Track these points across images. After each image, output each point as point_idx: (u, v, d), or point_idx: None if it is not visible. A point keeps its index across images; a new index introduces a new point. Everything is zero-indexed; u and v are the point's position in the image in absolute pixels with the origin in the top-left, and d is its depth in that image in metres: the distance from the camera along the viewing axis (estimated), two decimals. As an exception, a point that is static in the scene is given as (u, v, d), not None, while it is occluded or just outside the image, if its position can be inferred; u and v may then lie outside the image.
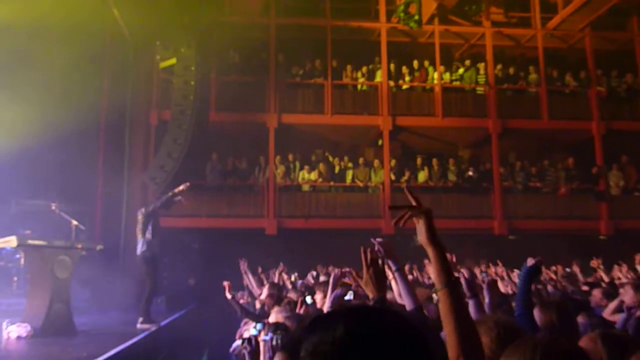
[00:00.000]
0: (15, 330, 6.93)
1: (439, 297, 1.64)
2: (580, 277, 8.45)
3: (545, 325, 3.19)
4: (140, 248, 8.32)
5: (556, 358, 1.48)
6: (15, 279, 11.61)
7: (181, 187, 8.29)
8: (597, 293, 5.40)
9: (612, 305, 4.77)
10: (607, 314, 4.70)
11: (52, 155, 12.12)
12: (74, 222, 8.91)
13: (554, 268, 9.78)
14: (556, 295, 6.01)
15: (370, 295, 2.49)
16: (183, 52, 13.38)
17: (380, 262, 2.50)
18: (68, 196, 10.85)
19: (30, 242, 7.65)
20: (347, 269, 3.39)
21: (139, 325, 7.94)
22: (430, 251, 1.67)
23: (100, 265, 10.61)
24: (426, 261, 9.95)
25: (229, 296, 6.68)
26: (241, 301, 8.68)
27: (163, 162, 13.02)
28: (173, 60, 13.59)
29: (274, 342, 3.31)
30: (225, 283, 6.88)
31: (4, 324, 7.08)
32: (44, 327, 7.11)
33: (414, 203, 1.73)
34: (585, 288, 6.33)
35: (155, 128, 14.12)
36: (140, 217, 8.44)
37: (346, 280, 3.94)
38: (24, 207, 12.48)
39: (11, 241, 7.50)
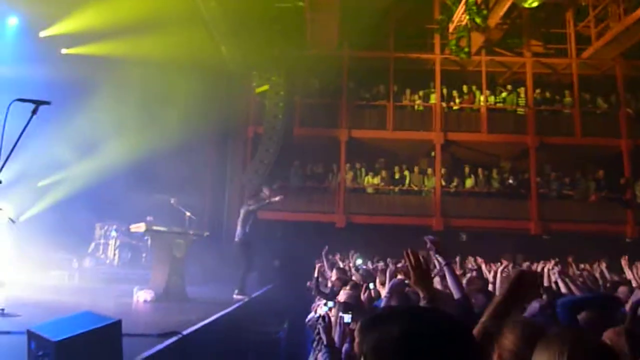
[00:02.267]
0: (143, 295, 7.57)
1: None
2: (607, 274, 8.04)
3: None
4: (238, 236, 8.71)
5: (584, 352, 1.32)
6: (144, 255, 12.33)
7: (277, 198, 8.82)
8: (623, 290, 4.85)
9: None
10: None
11: (175, 161, 12.71)
12: (188, 214, 9.42)
13: (582, 266, 9.53)
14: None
15: (421, 295, 2.32)
16: (274, 80, 14.19)
17: (424, 260, 2.31)
18: (184, 193, 11.19)
19: (155, 227, 8.30)
20: (400, 265, 3.45)
21: (234, 296, 8.32)
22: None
23: (208, 248, 10.97)
24: (470, 257, 9.80)
25: (314, 276, 7.03)
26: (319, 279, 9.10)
27: (257, 167, 13.79)
28: (266, 87, 14.33)
29: (346, 320, 3.27)
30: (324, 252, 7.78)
31: (135, 289, 7.76)
32: (164, 293, 7.70)
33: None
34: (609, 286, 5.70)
35: (251, 140, 14.70)
36: (242, 212, 8.87)
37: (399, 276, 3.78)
38: (151, 199, 12.97)
39: (141, 227, 8.29)
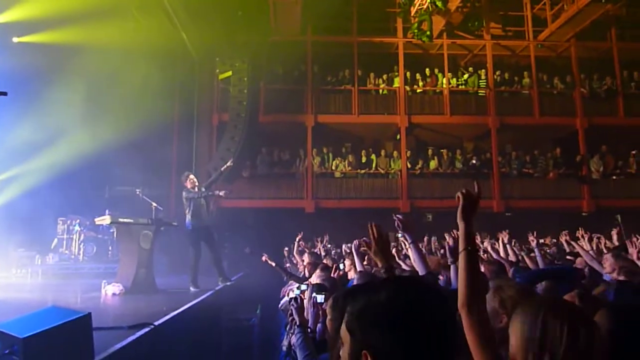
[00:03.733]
0: (111, 289, 7.39)
1: (460, 257, 1.67)
2: (566, 247, 8.22)
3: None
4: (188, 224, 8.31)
5: (557, 314, 1.37)
6: (110, 248, 12.02)
7: (221, 193, 8.54)
8: (580, 262, 5.05)
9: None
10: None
11: (136, 151, 12.37)
12: (154, 204, 9.02)
13: (542, 240, 9.68)
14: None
15: (380, 264, 2.41)
16: (237, 66, 13.93)
17: (385, 234, 2.40)
18: (149, 183, 11.11)
19: (121, 219, 8.02)
20: (363, 239, 3.61)
21: (191, 289, 7.92)
22: (460, 225, 1.72)
23: (175, 238, 10.84)
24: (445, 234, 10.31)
25: (272, 264, 7.03)
26: (287, 265, 8.87)
27: (223, 155, 13.50)
28: (229, 73, 14.08)
29: (319, 300, 3.34)
30: (264, 257, 7.23)
31: (103, 284, 7.58)
32: (132, 286, 7.50)
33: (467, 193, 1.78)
34: (569, 258, 5.93)
35: (216, 127, 14.54)
36: (184, 199, 8.38)
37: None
38: (115, 192, 12.90)
39: (106, 219, 8.03)
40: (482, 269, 3.59)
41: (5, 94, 2.65)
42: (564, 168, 14.77)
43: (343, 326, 1.08)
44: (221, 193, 8.56)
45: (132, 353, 3.97)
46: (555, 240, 9.94)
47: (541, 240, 9.92)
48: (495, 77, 15.42)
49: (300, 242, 9.19)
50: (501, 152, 15.07)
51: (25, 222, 10.84)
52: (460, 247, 1.68)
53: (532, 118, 14.92)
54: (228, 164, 8.85)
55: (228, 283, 8.46)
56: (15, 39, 11.34)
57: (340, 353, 1.10)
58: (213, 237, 8.71)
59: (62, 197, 11.27)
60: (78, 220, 11.89)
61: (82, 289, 8.07)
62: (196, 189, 8.39)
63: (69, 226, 12.02)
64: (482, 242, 7.61)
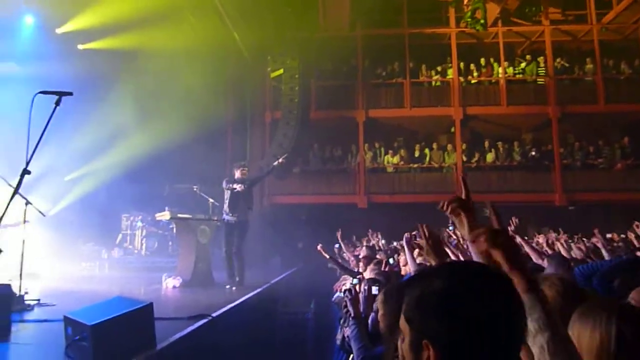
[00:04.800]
0: (171, 282, 7.62)
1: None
2: (636, 242, 7.72)
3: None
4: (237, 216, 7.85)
5: (633, 321, 1.27)
6: (170, 243, 12.43)
7: (280, 160, 8.25)
8: None
9: None
10: None
11: (194, 149, 12.69)
12: (211, 200, 9.48)
13: (609, 235, 8.99)
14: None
15: (434, 264, 2.27)
16: (288, 64, 14.11)
17: (437, 233, 2.29)
18: (206, 180, 11.03)
19: (180, 215, 8.24)
20: (413, 234, 3.34)
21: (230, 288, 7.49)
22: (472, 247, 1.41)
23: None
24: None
25: (326, 255, 6.80)
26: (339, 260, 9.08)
27: (276, 152, 13.67)
28: (281, 71, 14.32)
29: (373, 292, 3.33)
30: (319, 247, 6.85)
31: (164, 277, 7.83)
32: (191, 279, 7.67)
33: (463, 195, 1.47)
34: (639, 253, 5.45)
35: (269, 125, 14.77)
36: (225, 189, 7.95)
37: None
38: (174, 189, 13.19)
39: (166, 215, 8.27)
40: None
41: (70, 93, 2.82)
42: (632, 158, 13.96)
43: (402, 316, 1.03)
44: (280, 160, 8.29)
45: (191, 343, 4.11)
46: (624, 236, 9.45)
47: (608, 235, 9.47)
48: (555, 64, 14.78)
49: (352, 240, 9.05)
50: (563, 143, 14.46)
51: (92, 219, 11.49)
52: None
53: (597, 106, 14.23)
54: (280, 160, 8.40)
55: (234, 288, 7.55)
56: (80, 46, 11.99)
57: (401, 345, 1.04)
58: (245, 233, 8.08)
59: (125, 194, 11.85)
60: (140, 217, 12.48)
61: (145, 281, 8.37)
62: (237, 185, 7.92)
63: (132, 222, 12.66)
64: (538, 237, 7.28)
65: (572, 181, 13.99)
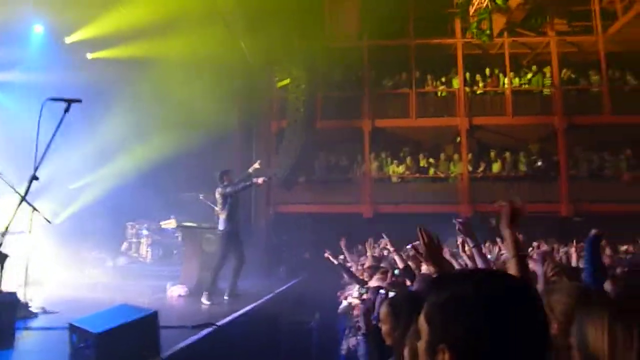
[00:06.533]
0: (176, 290, 7.70)
1: (509, 265, 1.69)
2: None
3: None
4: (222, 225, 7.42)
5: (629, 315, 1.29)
6: (175, 251, 12.29)
7: (260, 181, 7.64)
8: None
9: None
10: None
11: (200, 158, 12.76)
12: (216, 209, 8.98)
13: (624, 247, 9.21)
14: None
15: (433, 270, 2.31)
16: (295, 74, 14.16)
17: (436, 238, 2.30)
18: (211, 188, 11.45)
19: (185, 224, 8.39)
20: (414, 244, 3.43)
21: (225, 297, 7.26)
22: (506, 233, 1.75)
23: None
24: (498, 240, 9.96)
25: (335, 262, 6.78)
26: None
27: (282, 161, 13.88)
28: (287, 81, 14.42)
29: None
30: (327, 254, 6.82)
31: (168, 285, 7.90)
32: (196, 288, 7.69)
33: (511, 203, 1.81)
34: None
35: (275, 134, 14.81)
36: (218, 197, 7.62)
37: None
38: (180, 197, 13.21)
39: (171, 223, 8.50)
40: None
41: (79, 101, 2.84)
42: (636, 169, 13.85)
43: (421, 317, 1.02)
44: (260, 181, 7.61)
45: (195, 351, 4.08)
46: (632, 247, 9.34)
47: (624, 247, 9.31)
48: (561, 75, 14.75)
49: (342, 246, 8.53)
50: (569, 154, 14.36)
51: (97, 227, 11.50)
52: (510, 254, 1.67)
53: (603, 117, 14.12)
54: (259, 180, 7.71)
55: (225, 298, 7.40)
56: (89, 55, 12.10)
57: (413, 345, 1.03)
58: (242, 244, 7.73)
59: (131, 202, 11.89)
60: (145, 225, 12.48)
61: (150, 289, 8.33)
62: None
63: (137, 230, 12.65)
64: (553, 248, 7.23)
65: (578, 192, 13.85)
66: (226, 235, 7.32)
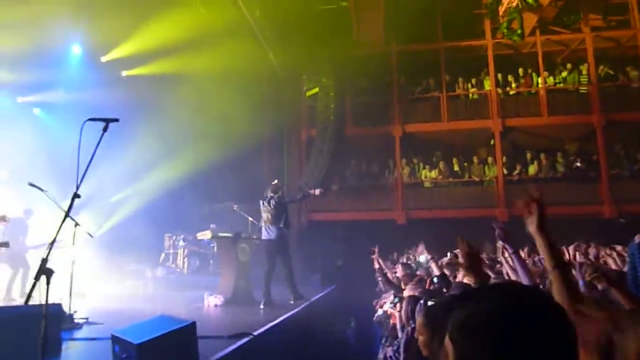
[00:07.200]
0: (213, 300, 7.80)
1: (551, 278, 1.57)
2: None
3: None
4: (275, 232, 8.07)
5: None
6: (211, 261, 12.64)
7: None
8: None
9: None
10: None
11: (232, 169, 13.06)
12: (250, 219, 9.67)
13: None
14: None
15: (473, 280, 2.27)
16: (323, 82, 14.29)
17: (475, 248, 2.26)
18: (245, 198, 11.19)
19: (220, 234, 8.58)
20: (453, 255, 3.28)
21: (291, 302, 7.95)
22: (537, 239, 1.63)
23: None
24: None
25: (377, 265, 6.81)
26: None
27: (312, 170, 13.91)
28: (316, 89, 14.51)
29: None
30: (374, 254, 6.86)
31: (205, 295, 8.00)
32: (232, 298, 7.85)
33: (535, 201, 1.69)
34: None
35: (305, 143, 14.85)
36: (272, 207, 8.17)
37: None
38: (214, 208, 13.65)
39: (207, 234, 8.74)
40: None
41: (117, 120, 2.96)
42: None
43: (447, 336, 0.99)
44: (317, 192, 8.42)
45: (233, 361, 4.14)
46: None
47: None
48: (598, 71, 14.30)
49: (376, 258, 8.78)
50: (609, 152, 13.87)
51: (136, 238, 11.83)
52: (549, 265, 1.53)
53: (644, 113, 13.55)
54: (316, 191, 8.51)
55: (301, 301, 8.09)
56: (124, 73, 12.52)
57: None
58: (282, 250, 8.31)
59: (168, 214, 12.24)
60: (182, 236, 12.77)
61: (187, 300, 8.57)
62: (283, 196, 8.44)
63: (174, 241, 12.96)
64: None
65: (620, 192, 13.35)
66: (278, 242, 8.00)
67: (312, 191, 8.54)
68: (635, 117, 13.69)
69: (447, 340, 0.99)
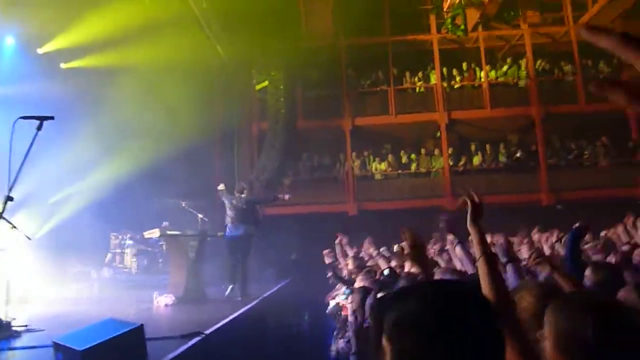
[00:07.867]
0: (163, 299, 7.66)
1: (478, 264, 1.65)
2: (622, 237, 7.65)
3: (596, 284, 2.80)
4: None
5: (597, 310, 1.28)
6: (160, 260, 12.32)
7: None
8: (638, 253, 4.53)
9: None
10: None
11: (180, 164, 12.61)
12: (200, 216, 9.47)
13: (603, 233, 9.50)
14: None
15: (417, 270, 2.38)
16: (273, 75, 14.12)
17: (420, 238, 2.33)
18: (194, 195, 11.19)
19: (169, 232, 8.38)
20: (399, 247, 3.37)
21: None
22: (473, 230, 1.75)
23: (222, 247, 10.68)
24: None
25: (327, 261, 7.07)
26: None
27: (264, 164, 13.82)
28: (266, 82, 14.34)
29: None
30: (325, 252, 7.10)
31: (155, 295, 7.85)
32: (183, 296, 7.75)
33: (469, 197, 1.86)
34: (624, 248, 5.37)
35: (257, 137, 14.73)
36: (235, 204, 8.54)
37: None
38: (163, 205, 13.53)
39: (155, 232, 8.41)
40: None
41: (52, 118, 2.79)
42: (614, 155, 14.11)
43: (384, 335, 1.04)
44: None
45: (184, 361, 4.05)
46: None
47: (603, 233, 9.39)
48: (536, 66, 14.95)
49: (342, 243, 8.48)
50: (547, 143, 14.55)
51: (80, 239, 11.32)
52: (478, 253, 1.62)
53: (578, 105, 14.32)
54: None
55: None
56: (62, 65, 11.90)
57: None
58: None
59: (113, 213, 11.75)
60: (129, 235, 12.35)
61: (136, 300, 8.32)
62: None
63: (121, 241, 12.50)
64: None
65: (558, 180, 14.04)
66: (242, 240, 8.33)
67: (281, 196, 8.88)
68: (570, 109, 14.39)
69: (384, 340, 1.03)
